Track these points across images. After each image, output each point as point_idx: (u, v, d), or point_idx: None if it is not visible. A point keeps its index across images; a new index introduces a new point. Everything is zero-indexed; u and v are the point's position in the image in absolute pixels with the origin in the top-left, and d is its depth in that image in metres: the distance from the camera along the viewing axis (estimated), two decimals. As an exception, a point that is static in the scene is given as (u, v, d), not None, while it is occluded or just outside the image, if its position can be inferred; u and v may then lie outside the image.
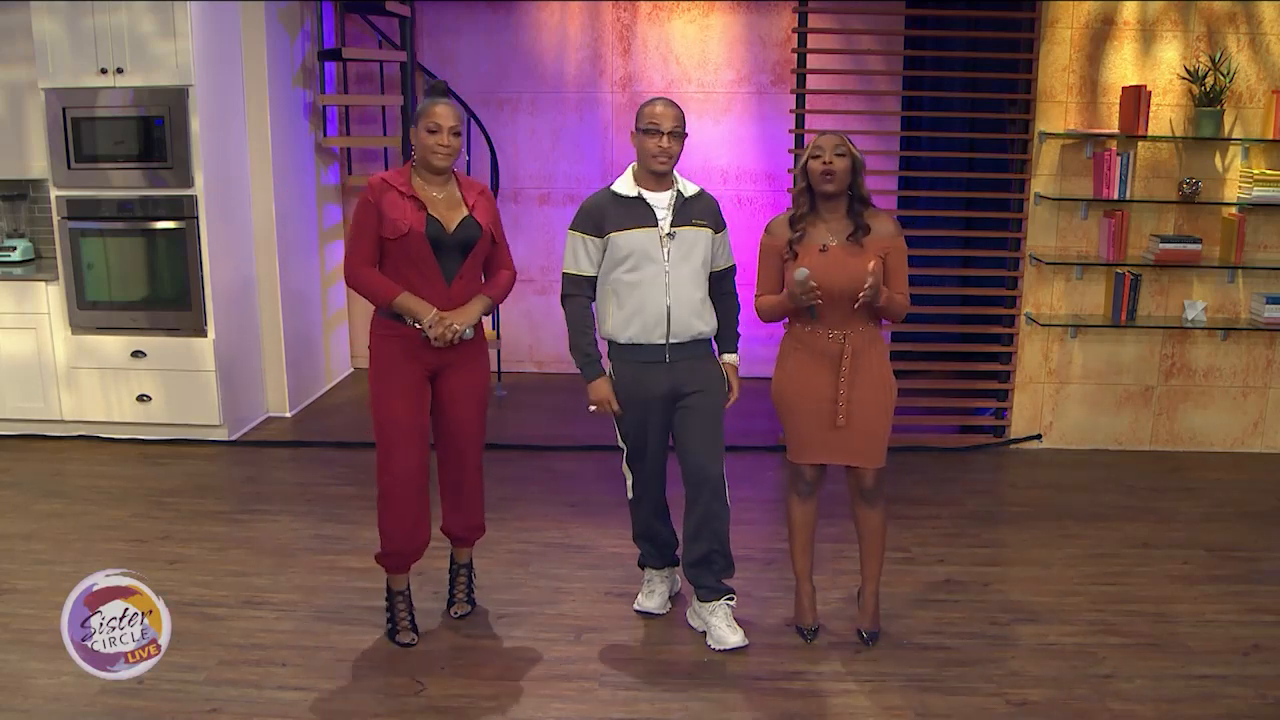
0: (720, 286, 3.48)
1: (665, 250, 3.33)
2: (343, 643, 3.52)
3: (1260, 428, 5.55)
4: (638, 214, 3.33)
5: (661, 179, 3.35)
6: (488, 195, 3.45)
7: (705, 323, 3.41)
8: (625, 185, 3.37)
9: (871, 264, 3.17)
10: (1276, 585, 3.99)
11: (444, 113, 3.25)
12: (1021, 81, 5.34)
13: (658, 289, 3.33)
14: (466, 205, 3.35)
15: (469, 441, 3.50)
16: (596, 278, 3.43)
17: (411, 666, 3.35)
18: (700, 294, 3.39)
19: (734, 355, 3.54)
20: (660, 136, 3.27)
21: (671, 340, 3.36)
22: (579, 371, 3.46)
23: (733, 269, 3.53)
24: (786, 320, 3.43)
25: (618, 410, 3.44)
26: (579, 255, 3.41)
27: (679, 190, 3.38)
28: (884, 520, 3.49)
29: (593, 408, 3.47)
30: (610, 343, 3.44)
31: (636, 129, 3.32)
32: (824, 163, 3.24)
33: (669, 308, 3.33)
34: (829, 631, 3.60)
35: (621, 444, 3.54)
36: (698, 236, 3.37)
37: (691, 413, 3.41)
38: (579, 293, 3.43)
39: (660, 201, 3.35)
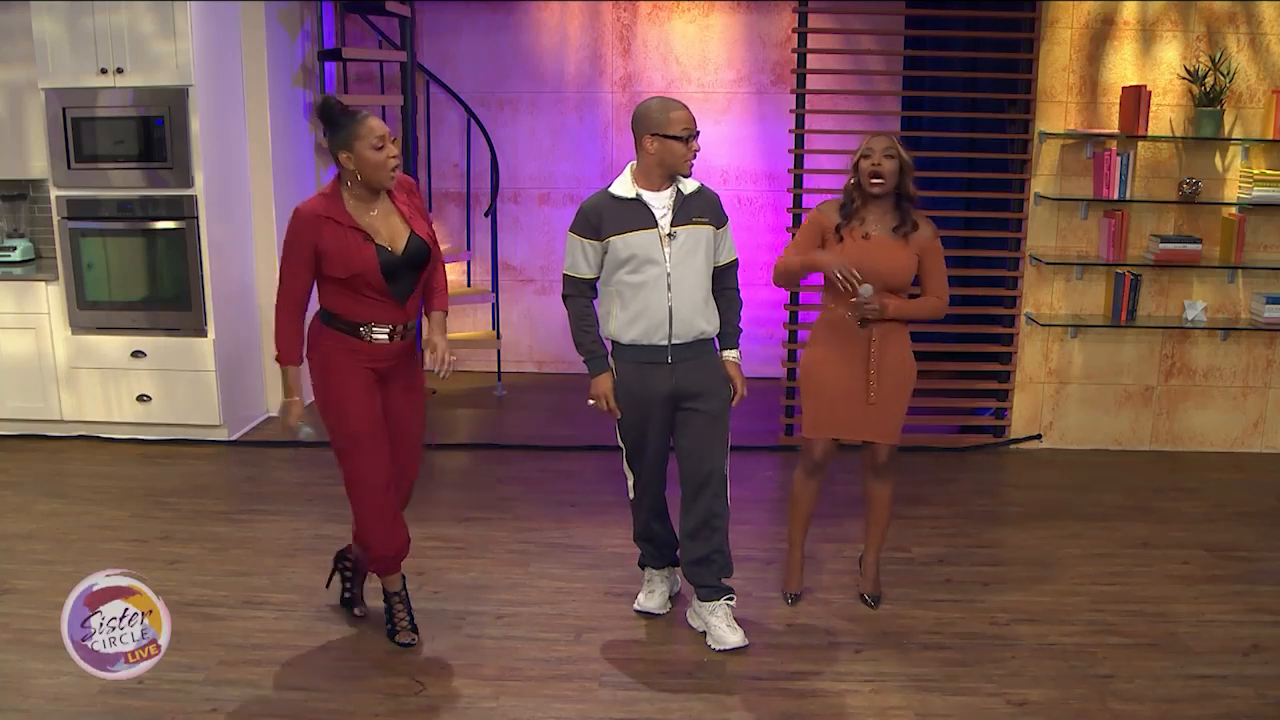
0: (722, 281, 3.47)
1: (666, 251, 3.32)
2: (343, 643, 3.52)
3: (1260, 428, 5.55)
4: (637, 215, 3.32)
5: (666, 179, 3.35)
6: (417, 194, 3.39)
7: (708, 321, 3.40)
8: (623, 187, 3.35)
9: (870, 291, 3.40)
10: (1276, 585, 3.99)
11: (381, 125, 3.12)
12: (1021, 81, 5.33)
13: (660, 290, 3.32)
14: (402, 216, 3.26)
15: (413, 456, 3.48)
16: (596, 279, 3.43)
17: (411, 666, 3.35)
18: (703, 293, 3.38)
19: (735, 352, 3.51)
20: (694, 141, 3.29)
21: (674, 341, 3.35)
22: (582, 369, 3.47)
23: (735, 263, 3.50)
24: (821, 303, 3.64)
25: (614, 410, 3.44)
26: (578, 258, 3.40)
27: (678, 188, 3.36)
28: (892, 495, 3.75)
29: (591, 402, 3.47)
30: (613, 343, 3.44)
31: (658, 134, 3.26)
32: (873, 164, 3.44)
33: (671, 308, 3.32)
34: (829, 632, 3.60)
35: (621, 443, 3.53)
36: (699, 235, 3.35)
37: (694, 415, 3.41)
38: (579, 293, 3.44)
39: (659, 201, 3.33)
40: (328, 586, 3.74)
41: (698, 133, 3.32)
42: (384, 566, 3.49)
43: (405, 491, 3.49)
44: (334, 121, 3.13)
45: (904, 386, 3.61)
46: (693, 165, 3.34)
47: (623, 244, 3.31)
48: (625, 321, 3.37)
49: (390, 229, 3.23)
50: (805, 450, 3.70)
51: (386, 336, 3.27)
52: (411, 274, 3.27)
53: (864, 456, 3.71)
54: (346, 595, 3.69)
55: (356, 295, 3.20)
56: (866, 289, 3.41)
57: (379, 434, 3.31)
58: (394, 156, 3.15)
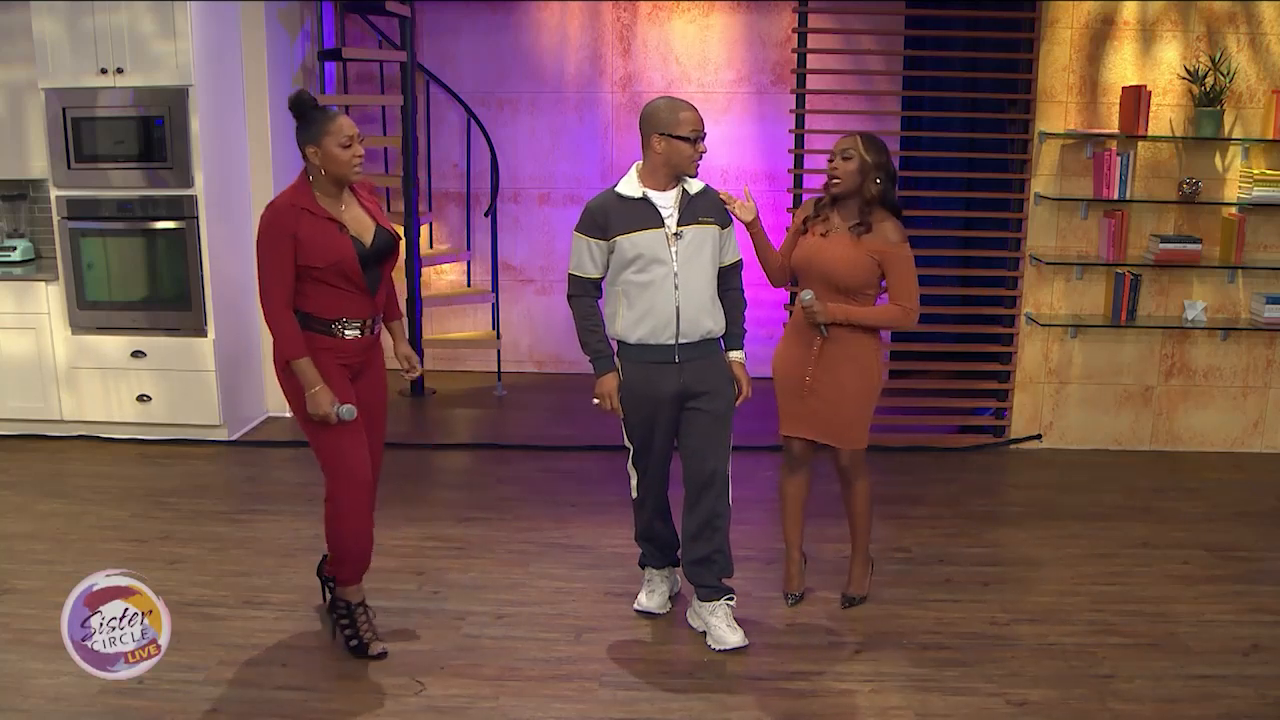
0: (727, 282, 3.47)
1: (673, 250, 3.32)
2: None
3: (1260, 428, 5.55)
4: (644, 215, 3.32)
5: (672, 179, 3.35)
6: (376, 190, 3.44)
7: (715, 321, 3.41)
8: (629, 186, 3.35)
9: (810, 296, 3.45)
10: (1276, 585, 3.99)
11: (350, 123, 3.17)
12: (1021, 81, 5.33)
13: (667, 289, 3.32)
14: (365, 209, 3.30)
15: (378, 452, 3.44)
16: (602, 279, 3.43)
17: (411, 666, 3.35)
18: (710, 292, 3.38)
19: (740, 353, 3.52)
20: (701, 142, 3.30)
21: (681, 340, 3.35)
22: (583, 369, 3.47)
23: (739, 264, 3.50)
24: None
25: (618, 410, 3.45)
26: (584, 258, 3.39)
27: (684, 188, 3.36)
28: (865, 499, 3.72)
29: (596, 401, 3.47)
30: (619, 343, 3.44)
31: (666, 134, 3.26)
32: (831, 165, 3.49)
33: (678, 308, 3.32)
34: (829, 632, 3.60)
35: (628, 443, 3.53)
36: (705, 234, 3.35)
37: (699, 414, 3.41)
38: (584, 293, 3.44)
39: (666, 201, 3.33)
40: (333, 638, 3.48)
41: (705, 134, 3.33)
42: (353, 572, 3.39)
43: (373, 482, 3.42)
44: (306, 116, 3.18)
45: (856, 391, 3.57)
46: (698, 166, 3.34)
47: (630, 243, 3.31)
48: (632, 321, 3.36)
49: (358, 222, 3.26)
50: (784, 448, 3.75)
51: (358, 331, 3.28)
52: (379, 267, 3.31)
53: (831, 459, 3.71)
54: (353, 643, 3.40)
55: (331, 289, 3.20)
56: (806, 294, 3.46)
57: (360, 432, 3.29)
58: (359, 156, 3.20)
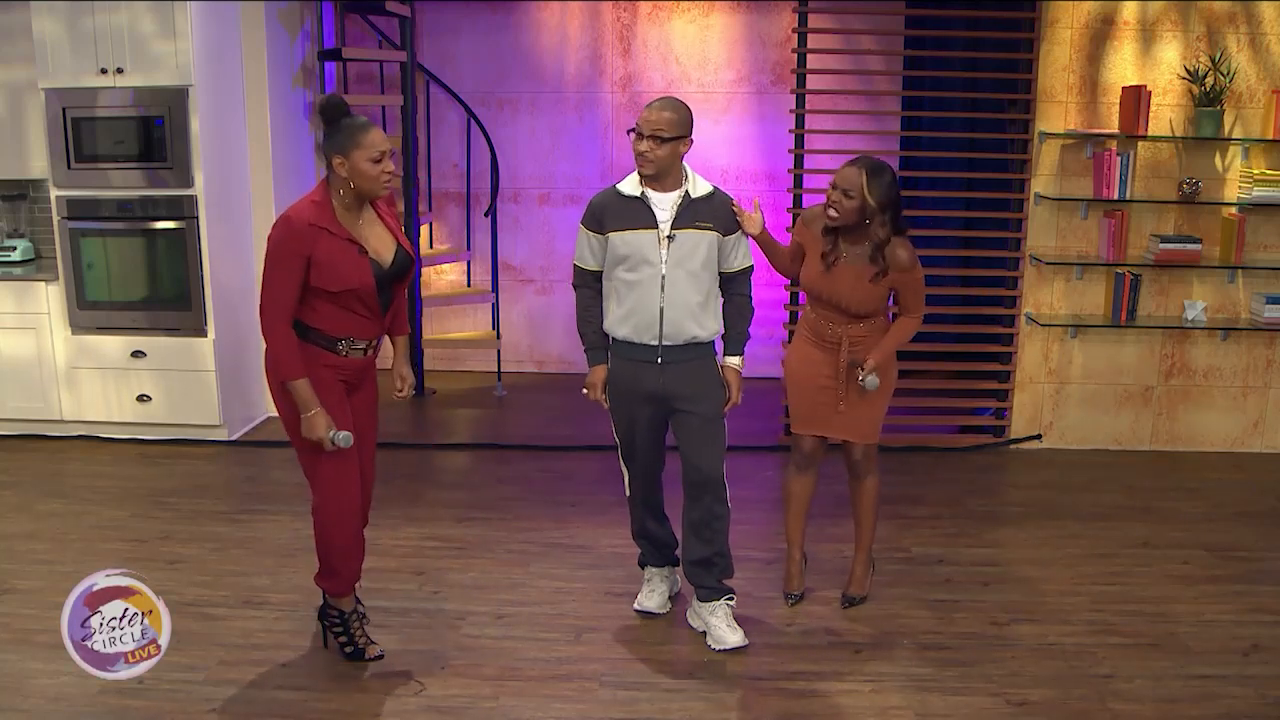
0: (733, 287, 3.45)
1: (663, 252, 3.31)
2: (343, 643, 3.52)
3: (1260, 428, 5.55)
4: (638, 214, 3.32)
5: (664, 179, 3.33)
6: (395, 204, 3.33)
7: (702, 327, 3.37)
8: (630, 185, 3.35)
9: (875, 382, 3.46)
10: (1276, 585, 3.99)
11: (382, 138, 3.02)
12: (1021, 81, 5.33)
13: (653, 290, 3.31)
14: (387, 226, 3.19)
15: (371, 461, 3.38)
16: (601, 272, 3.43)
17: (411, 666, 3.35)
18: (698, 298, 3.35)
19: (738, 359, 3.48)
20: (641, 140, 3.25)
21: (664, 342, 3.35)
22: (583, 369, 3.49)
23: (749, 270, 3.47)
24: (805, 302, 3.69)
25: (601, 400, 3.48)
26: (584, 250, 3.43)
27: (687, 190, 3.34)
28: (874, 493, 3.76)
29: (585, 391, 3.51)
30: (610, 336, 3.46)
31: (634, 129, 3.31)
32: (831, 199, 3.41)
33: (663, 309, 3.32)
34: (829, 632, 3.60)
35: (615, 437, 3.56)
36: (699, 239, 3.33)
37: (689, 417, 3.41)
38: (585, 285, 3.46)
39: (663, 202, 3.32)
40: (325, 645, 3.47)
41: (659, 135, 3.21)
42: (346, 586, 3.36)
43: (367, 496, 3.38)
44: (336, 123, 3.03)
45: (881, 389, 3.60)
46: (641, 166, 3.28)
47: (621, 241, 3.32)
48: (619, 318, 3.38)
49: (377, 239, 3.15)
50: (794, 446, 3.75)
51: (362, 352, 3.20)
52: (393, 287, 3.21)
53: (843, 452, 3.72)
54: (349, 650, 3.39)
55: (342, 309, 3.10)
56: (871, 381, 3.46)
57: (352, 448, 3.19)
58: (389, 171, 3.06)
